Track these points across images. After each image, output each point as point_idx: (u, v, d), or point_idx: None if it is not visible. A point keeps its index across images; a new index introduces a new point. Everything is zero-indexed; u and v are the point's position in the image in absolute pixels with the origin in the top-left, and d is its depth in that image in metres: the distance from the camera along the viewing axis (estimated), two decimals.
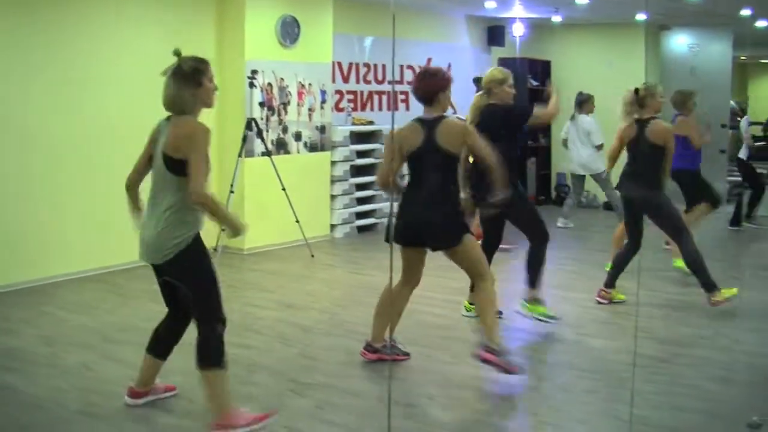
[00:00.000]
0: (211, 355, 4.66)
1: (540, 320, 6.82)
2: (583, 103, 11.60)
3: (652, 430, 4.73)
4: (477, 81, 10.63)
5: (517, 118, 6.83)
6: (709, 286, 7.33)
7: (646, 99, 7.32)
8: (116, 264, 8.63)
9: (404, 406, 5.12)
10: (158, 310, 7.13)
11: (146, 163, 4.80)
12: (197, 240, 4.66)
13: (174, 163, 4.51)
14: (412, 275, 5.90)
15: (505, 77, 6.84)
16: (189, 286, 4.73)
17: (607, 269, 7.90)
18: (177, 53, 4.72)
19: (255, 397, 5.27)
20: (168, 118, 4.71)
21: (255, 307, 7.41)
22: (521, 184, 7.04)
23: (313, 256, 9.60)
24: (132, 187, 4.90)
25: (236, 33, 9.70)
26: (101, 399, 5.18)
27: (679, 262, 8.36)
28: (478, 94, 7.05)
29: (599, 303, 7.57)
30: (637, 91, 7.34)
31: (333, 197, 11.01)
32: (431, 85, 5.70)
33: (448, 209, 5.59)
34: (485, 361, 5.53)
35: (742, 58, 18.99)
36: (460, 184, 6.49)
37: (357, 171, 11.28)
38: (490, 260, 6.56)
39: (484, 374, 5.71)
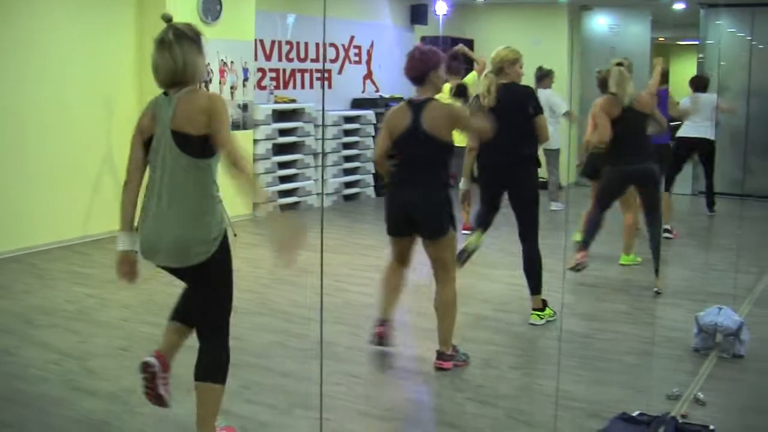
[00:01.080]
0: (220, 372, 4.21)
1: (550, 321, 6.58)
2: (543, 77, 11.65)
3: (576, 404, 4.81)
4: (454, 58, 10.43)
5: (536, 100, 6.50)
6: (659, 272, 7.41)
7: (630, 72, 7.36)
8: (33, 245, 8.47)
9: (332, 385, 5.13)
10: (80, 291, 7.10)
11: (144, 152, 4.08)
12: (227, 239, 4.13)
13: (192, 141, 3.90)
14: (405, 258, 5.63)
15: (517, 57, 6.57)
16: (210, 292, 4.20)
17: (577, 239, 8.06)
18: (167, 18, 4.20)
19: (180, 377, 5.18)
20: (165, 94, 4.12)
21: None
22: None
23: (236, 235, 9.52)
24: (134, 188, 4.10)
25: (158, 9, 9.49)
26: (24, 384, 5.08)
27: (625, 259, 8.53)
28: (486, 72, 6.59)
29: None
30: (621, 63, 7.33)
31: (255, 176, 10.93)
32: (422, 65, 5.42)
33: (436, 198, 5.33)
34: (444, 369, 5.45)
35: (660, 39, 19.34)
36: (463, 173, 6.50)
37: (279, 149, 11.22)
38: (485, 229, 6.57)
39: (410, 352, 5.75)
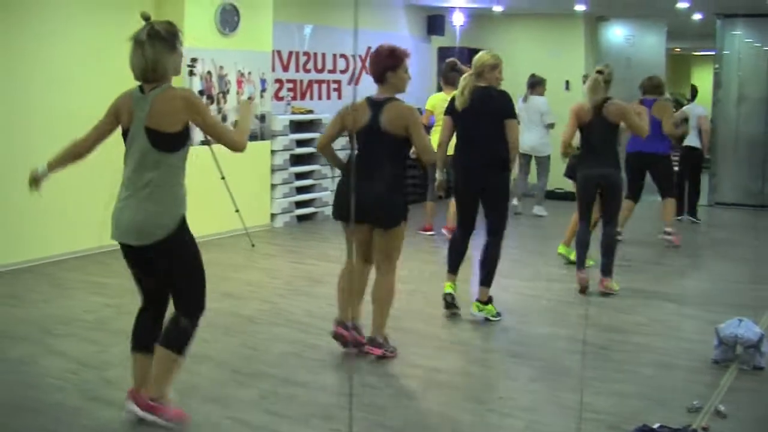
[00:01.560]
0: (182, 345, 4.55)
1: (490, 320, 6.75)
2: (536, 85, 12.09)
3: (595, 415, 4.77)
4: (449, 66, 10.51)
5: (509, 105, 6.67)
6: (609, 272, 7.55)
7: (608, 81, 7.53)
8: (49, 255, 8.48)
9: (346, 396, 5.11)
10: (98, 301, 7.10)
11: (104, 134, 4.63)
12: (185, 221, 4.50)
13: (163, 138, 4.30)
14: (366, 252, 5.82)
15: (497, 63, 6.73)
16: (176, 272, 4.55)
17: (561, 252, 8.60)
18: (146, 17, 4.59)
19: (199, 387, 5.22)
20: (141, 89, 4.42)
21: None
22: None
23: (253, 245, 9.53)
24: (81, 154, 4.76)
25: (175, 20, 9.39)
26: (41, 394, 5.08)
27: (562, 249, 8.83)
28: (465, 75, 6.80)
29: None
30: (601, 72, 7.53)
31: (273, 186, 10.93)
32: (380, 65, 5.69)
33: (390, 190, 5.59)
34: (370, 353, 5.68)
35: (676, 49, 19.31)
36: (437, 166, 6.75)
37: (297, 160, 11.21)
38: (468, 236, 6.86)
39: (429, 363, 5.72)
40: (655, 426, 4.51)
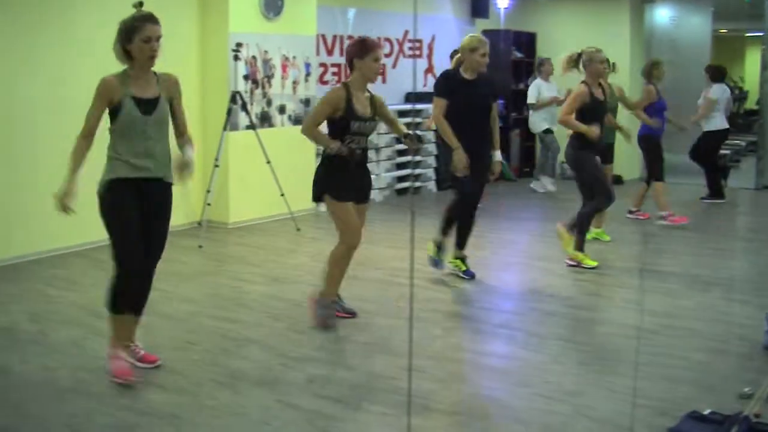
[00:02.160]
0: (106, 298, 5.11)
1: (460, 276, 7.46)
2: (541, 65, 12.90)
3: (645, 401, 4.73)
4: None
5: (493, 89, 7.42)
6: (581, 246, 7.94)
7: (586, 63, 7.82)
8: (98, 240, 8.53)
9: (390, 379, 5.12)
10: None
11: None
12: (109, 187, 4.96)
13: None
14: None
15: (476, 46, 7.12)
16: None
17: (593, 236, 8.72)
18: (135, 5, 4.94)
19: (246, 371, 5.25)
20: None
21: (242, 282, 7.38)
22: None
23: (299, 229, 9.56)
24: (89, 147, 5.12)
25: (220, 5, 9.59)
26: (91, 376, 5.13)
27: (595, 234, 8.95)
28: (456, 58, 7.42)
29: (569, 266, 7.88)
30: (580, 54, 7.86)
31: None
32: (348, 53, 6.14)
33: (318, 167, 6.22)
34: (309, 303, 6.24)
35: (722, 31, 19.03)
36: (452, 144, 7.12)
37: None
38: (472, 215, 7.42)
39: (476, 347, 5.72)
40: (706, 412, 4.46)
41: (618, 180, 12.02)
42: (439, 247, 7.48)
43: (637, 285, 7.29)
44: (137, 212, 5.00)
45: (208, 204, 9.25)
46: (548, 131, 12.71)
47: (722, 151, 12.70)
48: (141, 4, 4.94)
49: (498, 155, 7.38)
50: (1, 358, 5.43)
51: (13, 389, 4.93)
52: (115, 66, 4.99)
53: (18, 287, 7.10)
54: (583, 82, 7.79)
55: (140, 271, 5.07)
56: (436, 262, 7.49)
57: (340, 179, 6.01)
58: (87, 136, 4.92)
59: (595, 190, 7.79)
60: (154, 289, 6.93)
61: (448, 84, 7.24)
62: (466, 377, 5.25)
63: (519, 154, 14.68)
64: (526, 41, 14.71)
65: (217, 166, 9.12)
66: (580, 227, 7.87)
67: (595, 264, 7.79)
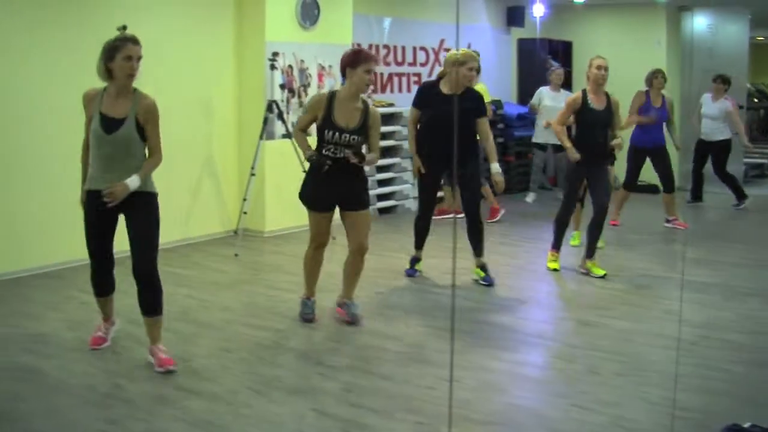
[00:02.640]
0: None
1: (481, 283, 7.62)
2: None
3: (683, 413, 4.69)
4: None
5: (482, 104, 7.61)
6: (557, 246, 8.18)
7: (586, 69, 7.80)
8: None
9: (424, 388, 5.11)
10: (181, 292, 7.20)
11: None
12: (85, 195, 5.42)
13: None
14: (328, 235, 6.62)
15: (462, 60, 7.30)
16: None
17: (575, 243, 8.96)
18: (119, 28, 5.22)
19: (282, 379, 5.26)
20: None
21: (278, 290, 7.39)
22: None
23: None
24: None
25: (256, 15, 9.63)
26: (128, 382, 5.17)
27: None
28: (439, 72, 7.71)
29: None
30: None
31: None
32: (342, 62, 6.17)
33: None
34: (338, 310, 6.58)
35: (759, 38, 18.88)
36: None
37: None
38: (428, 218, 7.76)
39: (512, 356, 5.69)
40: (746, 425, 4.40)
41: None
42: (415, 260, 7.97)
43: (674, 295, 7.23)
44: (95, 221, 5.45)
45: (245, 213, 9.29)
46: (540, 146, 12.13)
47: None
48: (125, 27, 5.22)
49: (496, 167, 7.47)
50: (40, 364, 5.48)
51: (51, 395, 4.97)
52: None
53: (56, 295, 7.16)
54: (583, 90, 7.78)
55: (99, 268, 5.68)
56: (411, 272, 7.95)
57: (313, 187, 6.25)
58: (84, 147, 5.44)
59: (564, 199, 8.06)
60: (192, 298, 7.04)
61: (423, 96, 7.51)
62: (502, 387, 5.22)
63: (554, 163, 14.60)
64: (562, 50, 14.67)
65: (253, 174, 9.15)
66: (555, 235, 8.12)
67: (557, 267, 8.10)
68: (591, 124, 7.67)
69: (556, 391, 5.14)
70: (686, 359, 5.57)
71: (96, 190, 5.25)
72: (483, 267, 7.64)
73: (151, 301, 5.45)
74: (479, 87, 10.64)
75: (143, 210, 5.39)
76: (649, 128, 9.84)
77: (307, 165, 6.28)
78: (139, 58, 5.18)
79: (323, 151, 6.09)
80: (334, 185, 6.14)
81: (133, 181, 5.23)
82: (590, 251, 7.90)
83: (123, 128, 5.19)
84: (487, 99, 10.31)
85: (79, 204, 5.48)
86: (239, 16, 9.74)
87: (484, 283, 7.56)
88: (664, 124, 10.08)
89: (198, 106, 9.33)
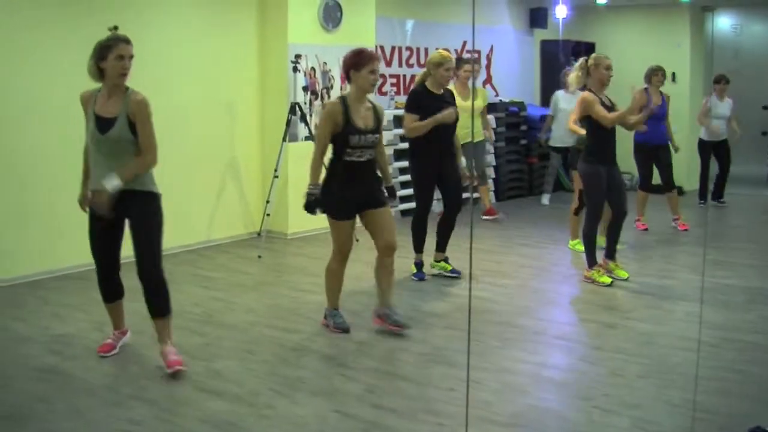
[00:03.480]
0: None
1: (448, 276, 7.90)
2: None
3: (705, 415, 4.68)
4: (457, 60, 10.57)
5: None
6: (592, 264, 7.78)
7: (591, 69, 7.57)
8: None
9: (446, 390, 5.13)
10: (206, 294, 7.25)
11: None
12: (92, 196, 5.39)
13: None
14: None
15: (442, 61, 7.44)
16: None
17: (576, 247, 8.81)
18: (111, 28, 5.27)
19: (304, 380, 5.29)
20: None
21: (301, 292, 7.42)
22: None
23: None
24: None
25: (279, 17, 9.68)
26: (152, 383, 5.22)
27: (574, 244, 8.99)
28: (418, 77, 7.84)
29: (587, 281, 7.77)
30: (585, 60, 7.67)
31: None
32: (345, 64, 6.13)
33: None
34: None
35: None
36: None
37: (400, 155, 11.22)
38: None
39: (533, 358, 5.70)
40: None
41: (679, 191, 11.90)
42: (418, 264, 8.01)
43: (695, 297, 7.20)
44: (97, 223, 5.47)
45: (268, 214, 9.34)
46: (556, 149, 11.93)
47: None
48: (116, 28, 5.28)
49: (463, 162, 8.03)
50: (65, 365, 5.54)
51: (76, 395, 5.02)
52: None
53: (82, 296, 7.21)
54: (589, 89, 7.49)
55: (103, 271, 5.69)
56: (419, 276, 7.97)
57: (339, 196, 6.10)
58: (86, 148, 5.49)
59: (588, 206, 7.73)
60: (217, 300, 7.08)
61: (419, 100, 7.53)
62: (524, 389, 5.22)
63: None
64: (585, 51, 14.59)
65: (276, 176, 9.20)
66: (587, 246, 7.70)
67: (609, 281, 7.60)
68: (608, 126, 7.45)
69: (578, 394, 5.14)
70: (707, 361, 5.56)
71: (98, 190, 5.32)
72: (447, 260, 7.96)
73: (157, 303, 5.49)
74: (480, 91, 10.77)
75: (143, 212, 5.41)
76: (652, 126, 9.65)
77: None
78: (131, 57, 5.23)
79: (345, 159, 6.04)
80: (357, 189, 6.10)
81: (110, 182, 5.20)
82: (611, 252, 7.80)
83: (115, 128, 5.21)
84: (484, 103, 10.59)
85: (77, 204, 5.63)
86: (262, 18, 9.79)
87: (454, 275, 7.88)
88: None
89: (221, 109, 9.38)
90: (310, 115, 9.84)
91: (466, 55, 12.85)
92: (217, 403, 4.91)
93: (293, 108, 9.36)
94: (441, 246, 7.95)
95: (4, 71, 7.52)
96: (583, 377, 5.42)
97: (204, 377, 5.33)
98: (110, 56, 5.16)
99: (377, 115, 6.19)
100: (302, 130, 9.68)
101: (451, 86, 8.82)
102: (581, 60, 7.76)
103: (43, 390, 5.11)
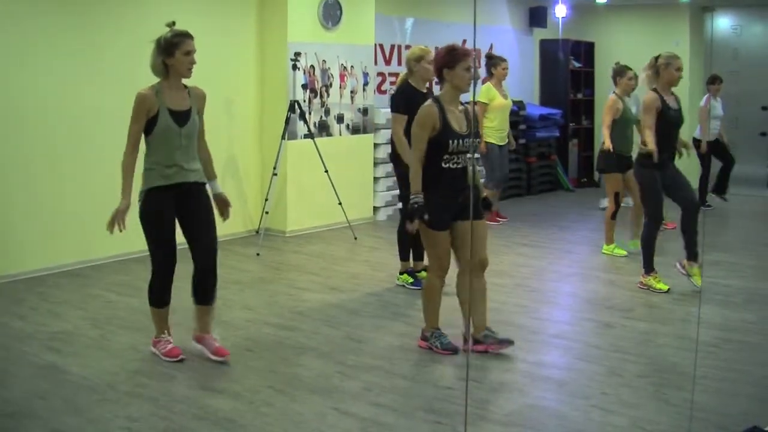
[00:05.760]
0: (148, 295, 5.66)
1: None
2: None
3: (703, 414, 4.69)
4: (489, 57, 10.63)
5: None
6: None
7: (661, 69, 7.31)
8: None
9: (445, 388, 5.14)
10: None
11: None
12: (146, 195, 5.39)
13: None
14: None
15: (423, 54, 7.10)
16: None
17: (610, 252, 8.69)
18: (169, 24, 5.40)
19: (304, 378, 5.29)
20: None
21: (300, 290, 7.42)
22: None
23: (356, 238, 9.59)
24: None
25: (279, 15, 9.67)
26: (150, 380, 5.22)
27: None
28: (400, 76, 7.52)
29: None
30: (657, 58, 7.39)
31: (376, 180, 10.97)
32: (437, 62, 5.72)
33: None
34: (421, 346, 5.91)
35: None
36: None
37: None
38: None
39: (532, 357, 5.70)
40: (767, 428, 4.40)
41: None
42: (408, 273, 7.61)
43: (694, 297, 7.20)
44: (172, 218, 5.48)
45: (266, 212, 9.34)
46: None
47: None
48: (174, 23, 5.40)
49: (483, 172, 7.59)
50: (62, 362, 5.54)
51: (74, 392, 5.02)
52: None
53: (80, 293, 7.22)
54: (653, 89, 7.27)
55: (167, 269, 5.56)
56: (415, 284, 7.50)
57: (443, 206, 5.59)
58: (133, 152, 5.33)
59: (647, 210, 7.41)
60: (218, 299, 7.06)
61: (406, 98, 7.01)
62: (522, 388, 5.22)
63: (577, 165, 14.60)
64: (585, 50, 14.64)
65: (275, 174, 9.20)
66: (646, 252, 7.44)
67: (666, 288, 7.37)
68: (676, 126, 7.32)
69: (576, 393, 5.13)
70: (705, 361, 5.56)
71: (169, 185, 5.37)
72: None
73: (211, 289, 5.60)
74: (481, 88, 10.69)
75: (206, 201, 5.56)
76: None
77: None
78: (195, 51, 5.40)
79: (443, 165, 5.54)
80: (453, 199, 5.62)
81: (217, 188, 5.69)
82: (693, 254, 7.37)
83: (191, 120, 5.42)
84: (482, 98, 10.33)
85: (118, 213, 5.30)
86: (261, 16, 9.79)
87: (416, 287, 7.35)
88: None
89: (220, 106, 9.37)
90: (310, 113, 9.84)
91: None
92: (215, 401, 4.91)
93: (292, 106, 9.36)
94: (419, 254, 7.48)
95: (5, 71, 7.52)
96: (582, 376, 5.42)
97: (202, 374, 5.33)
98: (178, 52, 5.29)
99: (468, 117, 5.72)
100: (301, 128, 9.68)
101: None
102: (650, 59, 7.40)
103: (41, 386, 5.11)
